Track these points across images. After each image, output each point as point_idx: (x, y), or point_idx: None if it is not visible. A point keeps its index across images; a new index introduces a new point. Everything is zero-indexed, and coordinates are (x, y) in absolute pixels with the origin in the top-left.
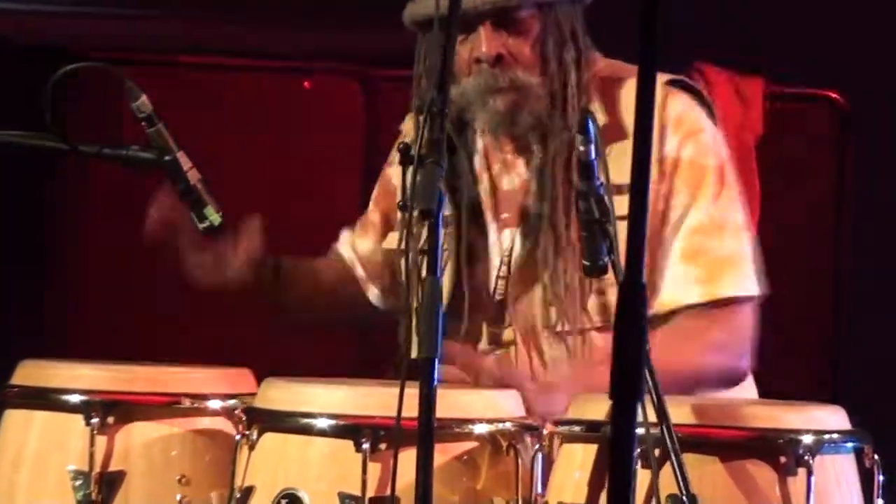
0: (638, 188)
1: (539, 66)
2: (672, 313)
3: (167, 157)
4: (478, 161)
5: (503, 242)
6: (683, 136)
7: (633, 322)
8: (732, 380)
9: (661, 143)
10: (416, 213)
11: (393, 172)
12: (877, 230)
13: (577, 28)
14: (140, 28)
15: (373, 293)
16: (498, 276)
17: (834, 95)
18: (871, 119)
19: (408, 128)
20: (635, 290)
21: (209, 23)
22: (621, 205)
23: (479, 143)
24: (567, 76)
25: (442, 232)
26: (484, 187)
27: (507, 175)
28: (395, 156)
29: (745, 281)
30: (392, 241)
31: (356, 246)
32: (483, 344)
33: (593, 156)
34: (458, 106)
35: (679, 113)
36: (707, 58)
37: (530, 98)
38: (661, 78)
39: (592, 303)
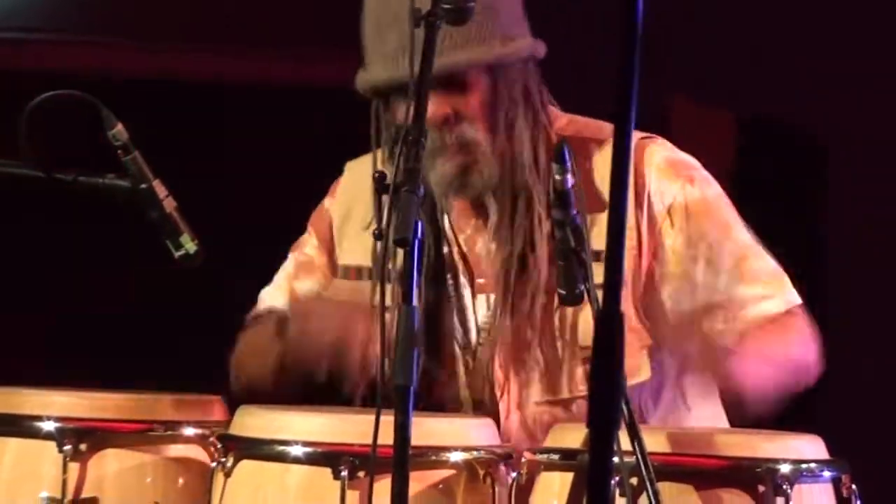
0: (616, 220)
1: (487, 124)
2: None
3: (143, 186)
4: (448, 224)
5: (479, 308)
6: (685, 180)
7: (609, 352)
8: (806, 381)
9: (658, 190)
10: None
11: (331, 207)
12: (855, 254)
13: (531, 87)
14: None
15: None
16: (478, 343)
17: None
18: (846, 151)
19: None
20: (612, 321)
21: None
22: (598, 271)
23: (451, 206)
24: (518, 136)
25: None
26: (456, 250)
27: (480, 238)
28: (335, 188)
29: (794, 290)
30: (337, 289)
31: (294, 291)
32: (467, 409)
33: (569, 184)
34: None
35: (665, 158)
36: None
37: (479, 157)
38: (635, 135)
39: (578, 371)
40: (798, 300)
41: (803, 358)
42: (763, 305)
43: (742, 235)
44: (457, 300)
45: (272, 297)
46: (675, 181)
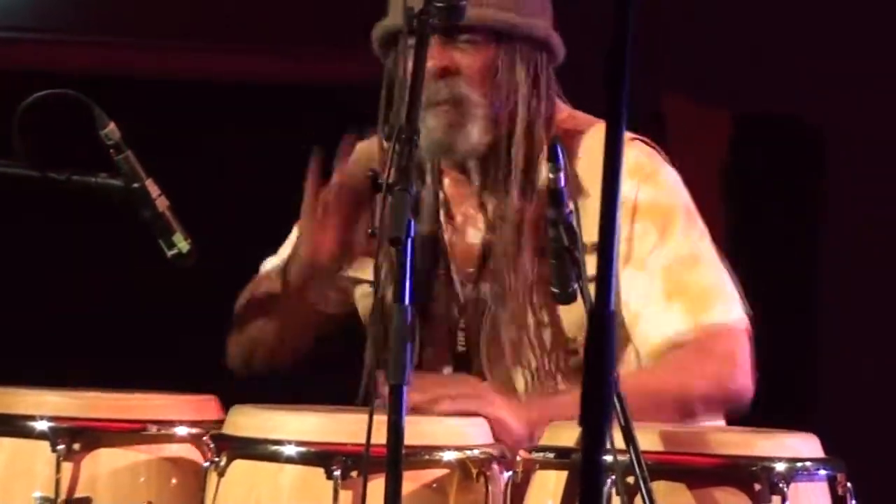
0: (607, 216)
1: (485, 86)
2: (661, 352)
3: (135, 185)
4: (441, 212)
5: (465, 295)
6: (641, 180)
7: (602, 348)
8: (725, 403)
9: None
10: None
11: None
12: (852, 252)
13: (540, 75)
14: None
15: None
16: (459, 329)
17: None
18: (845, 146)
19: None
20: (604, 318)
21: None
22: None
23: (442, 194)
24: (516, 113)
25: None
26: (447, 237)
27: (470, 227)
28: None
29: (729, 308)
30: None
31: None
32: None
33: (563, 183)
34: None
35: (634, 160)
36: (672, 86)
37: (468, 118)
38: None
39: (563, 364)
40: (717, 321)
41: (693, 391)
42: (670, 326)
43: (683, 245)
44: (447, 286)
45: (272, 264)
46: (631, 180)
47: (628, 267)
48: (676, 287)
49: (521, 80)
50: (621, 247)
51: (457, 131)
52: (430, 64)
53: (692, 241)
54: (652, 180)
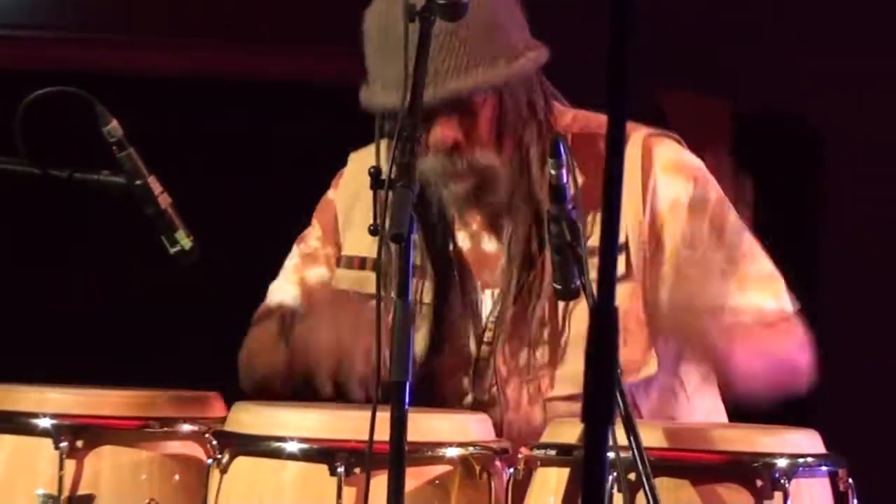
0: (610, 213)
1: (497, 146)
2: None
3: (138, 182)
4: (456, 219)
5: (485, 303)
6: (686, 180)
7: (605, 345)
8: (808, 383)
9: (662, 188)
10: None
11: (336, 198)
12: (853, 254)
13: (535, 97)
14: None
15: None
16: (481, 339)
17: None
18: (845, 146)
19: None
20: (607, 314)
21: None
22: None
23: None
24: (528, 152)
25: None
26: (463, 246)
27: (486, 235)
28: (339, 180)
29: (789, 295)
30: (340, 280)
31: (305, 280)
32: (468, 400)
33: (565, 179)
34: (422, 181)
35: (670, 157)
36: (673, 81)
37: (491, 179)
38: (642, 131)
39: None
40: (792, 307)
41: (795, 360)
42: (757, 306)
43: (740, 239)
44: (463, 294)
45: (282, 290)
46: (677, 180)
47: (694, 264)
48: (746, 278)
49: (525, 117)
50: (679, 248)
51: (484, 192)
52: (439, 138)
53: (744, 231)
54: (697, 179)
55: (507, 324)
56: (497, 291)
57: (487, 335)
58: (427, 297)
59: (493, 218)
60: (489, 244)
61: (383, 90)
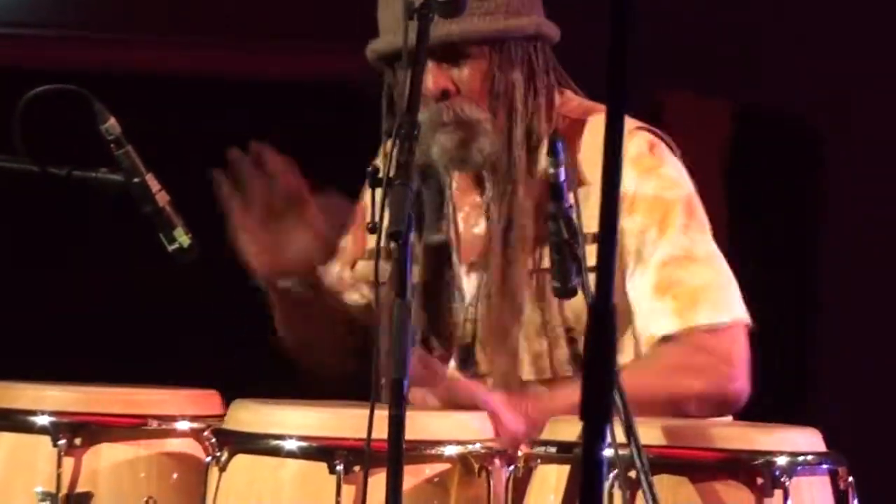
0: (607, 211)
1: (487, 102)
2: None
3: (136, 180)
4: (449, 204)
5: (470, 286)
6: (641, 172)
7: (603, 343)
8: (721, 405)
9: (623, 183)
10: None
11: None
12: (853, 254)
13: (537, 66)
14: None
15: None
16: (465, 319)
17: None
18: (845, 146)
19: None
20: (605, 312)
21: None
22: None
23: (452, 186)
24: (515, 115)
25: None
26: (453, 229)
27: (476, 219)
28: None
29: (722, 308)
30: (362, 269)
31: (330, 273)
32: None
33: (562, 178)
34: (427, 164)
35: (637, 151)
36: (673, 81)
37: (477, 134)
38: (629, 124)
39: (563, 352)
40: (707, 322)
41: (686, 391)
42: (658, 326)
43: (680, 242)
44: (452, 277)
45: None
46: (633, 171)
47: (628, 260)
48: (668, 285)
49: (518, 81)
50: (623, 239)
51: (469, 147)
52: (429, 84)
53: (689, 237)
54: (654, 172)
55: (483, 306)
56: (482, 275)
57: (470, 316)
58: (415, 278)
59: (477, 178)
60: (479, 227)
61: (383, 35)
